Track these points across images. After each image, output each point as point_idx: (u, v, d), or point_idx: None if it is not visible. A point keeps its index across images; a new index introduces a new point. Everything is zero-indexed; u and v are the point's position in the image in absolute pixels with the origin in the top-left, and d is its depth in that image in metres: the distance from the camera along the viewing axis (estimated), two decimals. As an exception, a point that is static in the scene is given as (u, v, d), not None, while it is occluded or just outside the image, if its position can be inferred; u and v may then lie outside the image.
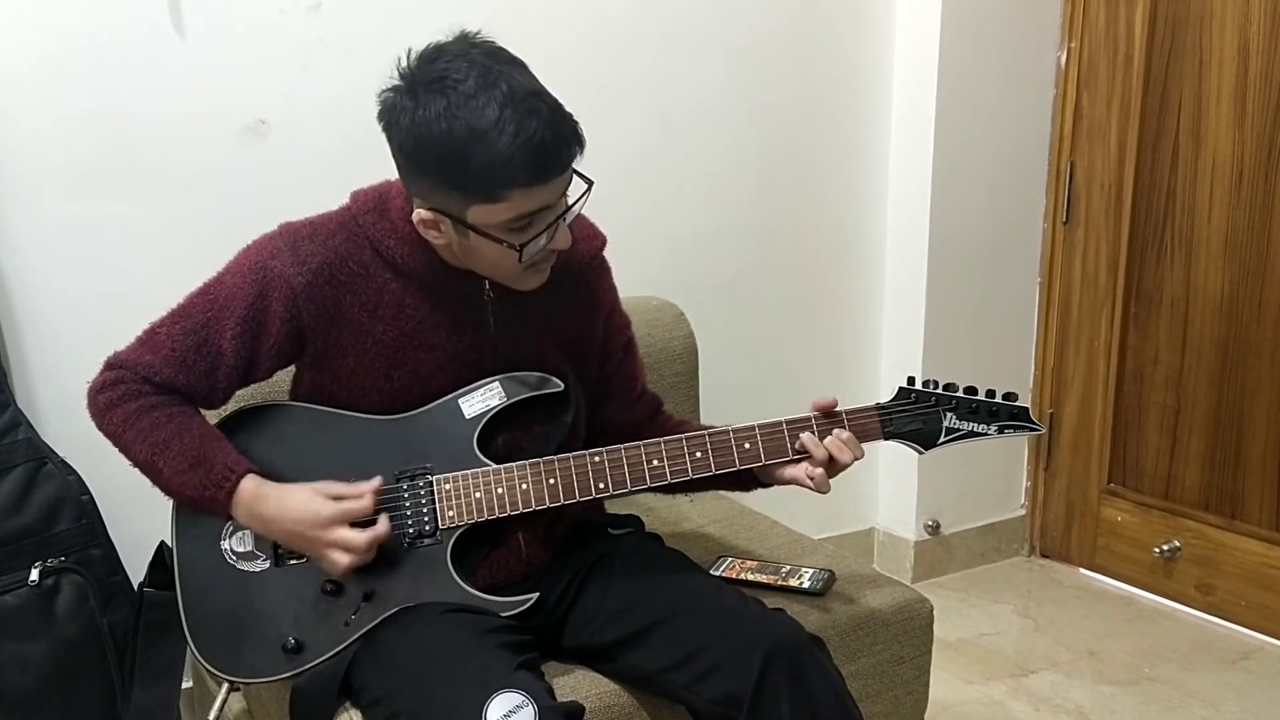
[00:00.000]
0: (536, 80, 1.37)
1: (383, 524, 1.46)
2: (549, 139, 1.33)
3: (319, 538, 1.44)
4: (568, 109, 1.37)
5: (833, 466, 1.54)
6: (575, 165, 1.40)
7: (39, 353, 2.00)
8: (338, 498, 1.45)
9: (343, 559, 1.44)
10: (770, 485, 1.61)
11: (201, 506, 1.47)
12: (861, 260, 2.84)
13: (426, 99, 1.33)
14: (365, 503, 1.45)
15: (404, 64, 1.39)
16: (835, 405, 1.55)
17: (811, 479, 1.53)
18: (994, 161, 2.82)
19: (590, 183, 1.44)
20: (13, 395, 1.92)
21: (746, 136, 2.60)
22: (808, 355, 2.80)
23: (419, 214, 1.42)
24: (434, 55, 1.37)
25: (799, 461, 1.55)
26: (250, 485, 1.45)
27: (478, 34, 1.41)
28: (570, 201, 1.44)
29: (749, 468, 1.56)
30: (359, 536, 1.43)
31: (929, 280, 2.78)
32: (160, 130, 2.03)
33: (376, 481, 1.47)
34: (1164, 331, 2.77)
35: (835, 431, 1.54)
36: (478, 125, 1.31)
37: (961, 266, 2.82)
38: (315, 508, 1.44)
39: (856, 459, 1.55)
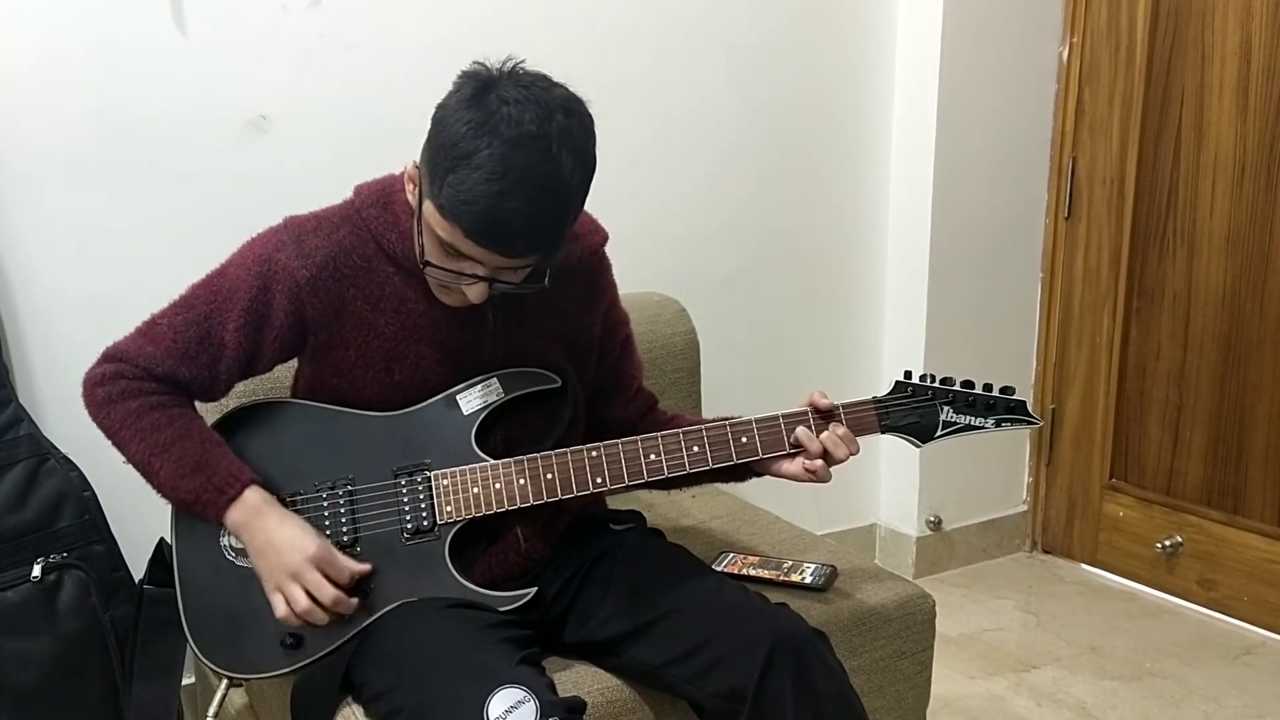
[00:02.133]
0: (577, 183, 1.35)
1: (352, 601, 1.45)
2: (514, 226, 1.32)
3: (292, 565, 1.41)
4: (568, 221, 1.37)
5: (829, 459, 1.54)
6: (530, 261, 1.39)
7: (40, 349, 2.00)
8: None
9: (301, 598, 1.41)
10: (764, 475, 1.61)
11: (194, 510, 1.46)
12: (863, 256, 2.83)
13: (481, 102, 1.32)
14: (353, 566, 1.44)
15: (510, 64, 1.37)
16: (831, 409, 1.56)
17: (811, 471, 1.54)
18: (996, 157, 2.81)
19: (543, 288, 1.43)
20: (14, 391, 1.92)
21: (748, 132, 2.60)
22: (809, 351, 2.80)
23: (411, 164, 1.44)
24: (527, 83, 1.35)
25: (795, 456, 1.56)
26: (254, 497, 1.44)
27: (589, 102, 1.38)
28: (511, 278, 1.42)
29: (746, 461, 1.56)
30: (328, 589, 1.41)
31: (930, 276, 2.78)
32: (162, 127, 2.03)
33: (366, 567, 1.46)
34: (1166, 326, 2.76)
35: (831, 427, 1.55)
36: (479, 159, 1.30)
37: (963, 262, 2.82)
38: (307, 542, 1.42)
39: (853, 454, 1.55)
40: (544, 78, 1.37)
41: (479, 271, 1.39)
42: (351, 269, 1.50)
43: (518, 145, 1.30)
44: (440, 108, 1.37)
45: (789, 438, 1.55)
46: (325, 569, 1.42)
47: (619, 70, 2.42)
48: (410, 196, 1.46)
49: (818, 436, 1.54)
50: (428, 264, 1.41)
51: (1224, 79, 2.57)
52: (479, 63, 1.38)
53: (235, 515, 1.45)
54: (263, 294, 1.48)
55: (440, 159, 1.33)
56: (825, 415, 1.56)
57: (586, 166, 1.37)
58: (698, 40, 2.49)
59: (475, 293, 1.42)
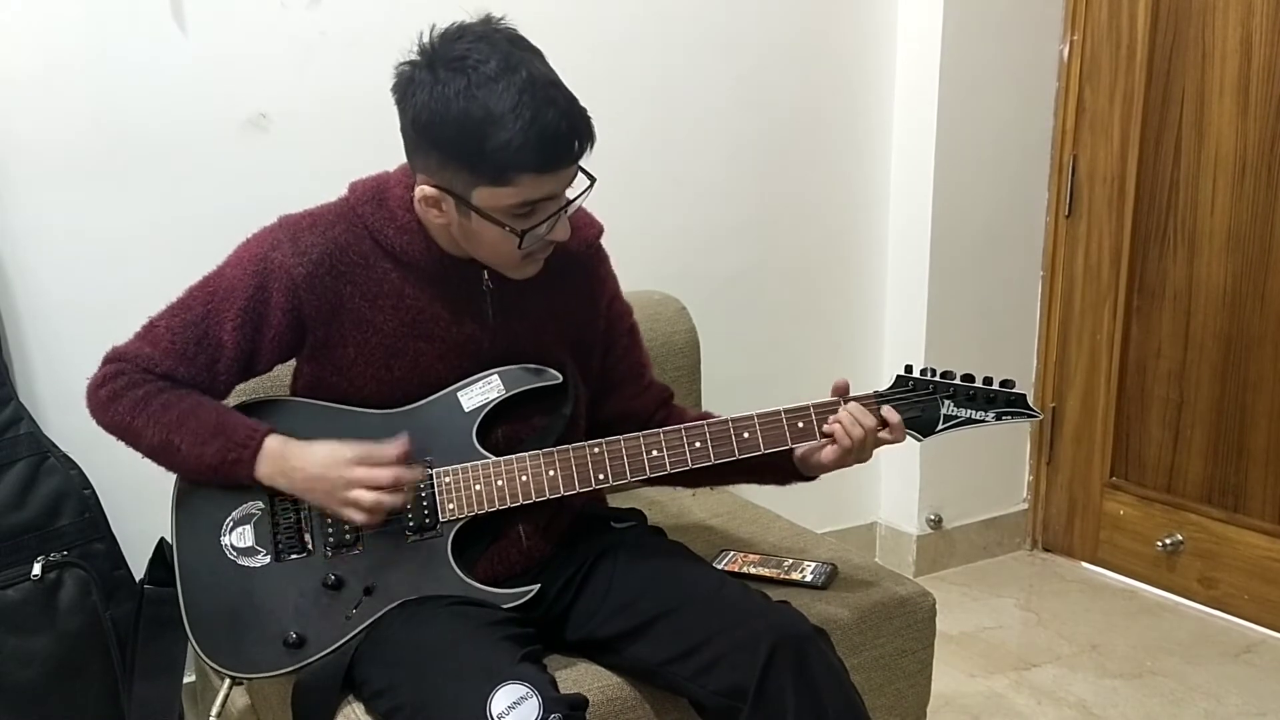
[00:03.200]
0: (554, 70, 1.39)
1: (415, 469, 1.46)
2: (564, 129, 1.35)
3: (341, 476, 1.43)
4: (573, 93, 1.39)
5: (861, 444, 1.53)
6: (585, 158, 1.41)
7: (40, 348, 2.00)
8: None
9: (365, 496, 1.43)
10: (812, 478, 1.61)
11: (222, 472, 1.47)
12: (864, 254, 2.83)
13: (446, 76, 1.35)
14: (391, 451, 1.45)
15: (425, 39, 1.40)
16: (847, 389, 1.56)
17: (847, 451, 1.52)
18: (996, 155, 2.81)
19: (593, 179, 1.44)
20: (14, 390, 1.92)
21: (749, 130, 2.60)
22: (810, 349, 2.80)
23: (422, 190, 1.42)
24: (457, 35, 1.38)
25: (823, 446, 1.55)
26: (275, 443, 1.47)
27: (502, 19, 1.42)
28: (572, 195, 1.45)
29: (774, 456, 1.56)
30: (383, 471, 1.43)
31: (931, 274, 2.78)
32: (162, 124, 2.02)
33: (403, 440, 1.46)
34: (1166, 325, 2.76)
35: (840, 407, 1.54)
36: (495, 108, 1.32)
37: (964, 260, 2.82)
38: (340, 450, 1.44)
39: (868, 429, 1.53)
40: (447, 31, 1.40)
41: (552, 208, 1.42)
42: (348, 265, 1.50)
43: (506, 75, 1.33)
44: (419, 115, 1.37)
45: (790, 432, 1.54)
46: (369, 461, 1.44)
47: (621, 69, 2.42)
48: (437, 214, 1.45)
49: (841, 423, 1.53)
50: (523, 236, 1.41)
51: (1224, 77, 2.57)
52: (399, 66, 1.41)
53: (264, 470, 1.46)
54: (260, 293, 1.48)
55: (465, 145, 1.35)
56: (827, 407, 1.55)
57: (535, 47, 1.41)
58: (699, 39, 2.49)
59: (562, 230, 1.45)
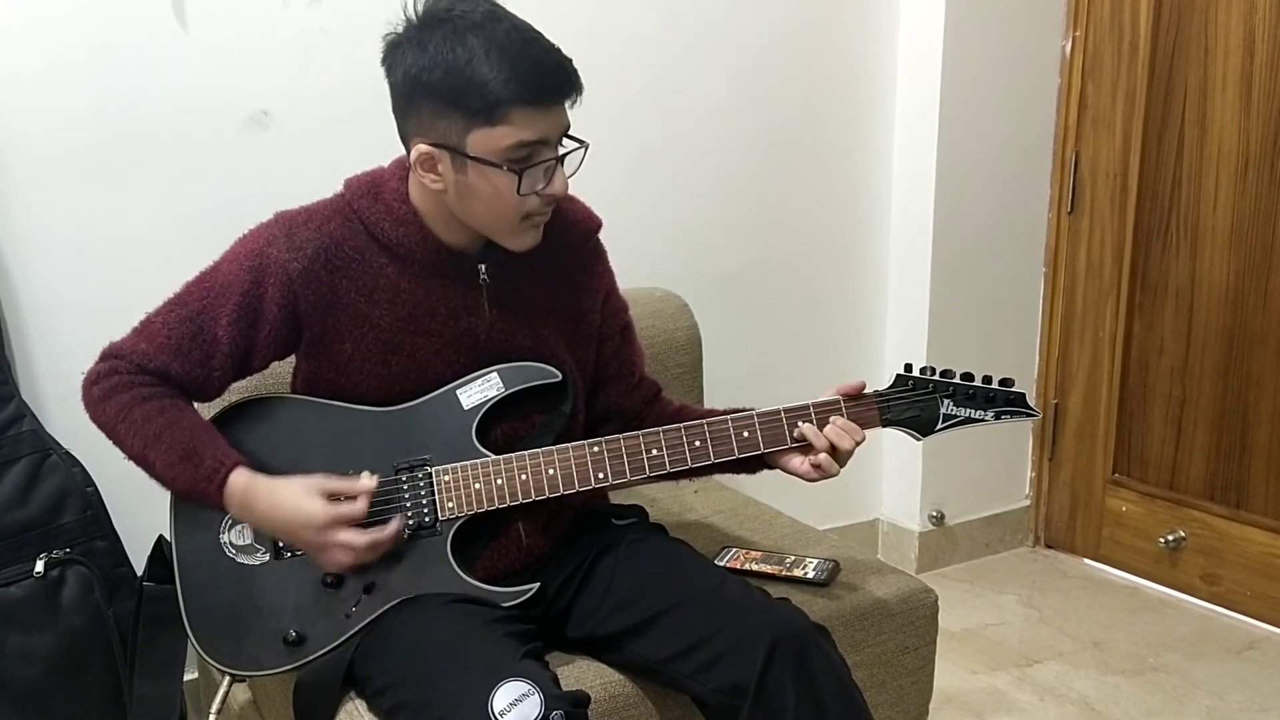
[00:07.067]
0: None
1: (392, 525, 1.46)
2: (551, 65, 1.39)
3: (313, 540, 1.44)
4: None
5: (835, 454, 1.54)
6: (574, 105, 1.43)
7: (43, 345, 2.00)
8: (332, 496, 1.44)
9: (344, 558, 1.44)
10: (775, 468, 1.61)
11: (196, 500, 1.46)
12: (866, 251, 2.83)
13: (432, 31, 1.38)
14: (360, 507, 1.44)
15: (409, 10, 1.42)
16: (861, 388, 1.56)
17: (817, 466, 1.53)
18: (998, 151, 2.81)
19: (585, 144, 1.45)
20: (17, 388, 1.92)
21: (751, 127, 2.60)
22: (812, 346, 2.80)
23: (418, 150, 1.43)
24: (430, 3, 1.42)
25: (803, 453, 1.55)
26: (240, 479, 1.44)
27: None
28: (566, 152, 1.45)
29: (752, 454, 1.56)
30: (359, 537, 1.43)
31: (933, 270, 2.78)
32: (163, 122, 2.02)
33: (371, 482, 1.46)
34: (1169, 321, 2.76)
35: (833, 419, 1.54)
36: (482, 47, 1.35)
37: (966, 256, 2.82)
38: (309, 510, 1.42)
39: (858, 444, 1.55)
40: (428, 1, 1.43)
41: (547, 154, 1.42)
42: (344, 260, 1.50)
43: (491, 21, 1.37)
44: (409, 70, 1.39)
45: (791, 432, 1.55)
46: (341, 521, 1.43)
47: (623, 66, 2.41)
48: (434, 179, 1.45)
49: (821, 431, 1.54)
50: (521, 176, 1.41)
51: (1227, 73, 2.56)
52: (385, 37, 1.43)
53: (232, 507, 1.46)
54: (255, 289, 1.48)
55: (456, 86, 1.37)
56: (827, 406, 1.56)
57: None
58: (701, 35, 2.49)
59: (560, 183, 1.45)
